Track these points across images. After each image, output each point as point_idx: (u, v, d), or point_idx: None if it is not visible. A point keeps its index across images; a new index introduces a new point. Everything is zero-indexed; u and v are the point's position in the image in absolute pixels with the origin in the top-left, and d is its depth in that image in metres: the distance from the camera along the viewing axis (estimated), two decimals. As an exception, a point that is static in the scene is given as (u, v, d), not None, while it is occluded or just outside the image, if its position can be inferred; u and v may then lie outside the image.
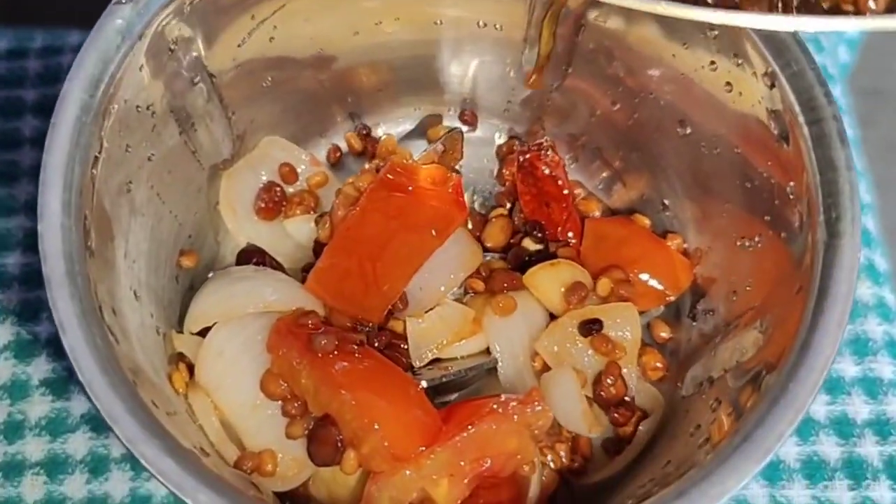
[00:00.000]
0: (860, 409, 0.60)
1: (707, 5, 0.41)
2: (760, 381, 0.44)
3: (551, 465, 0.54)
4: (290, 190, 0.61)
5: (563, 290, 0.56)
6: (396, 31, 0.60)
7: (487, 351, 0.56)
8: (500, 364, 0.56)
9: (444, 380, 0.54)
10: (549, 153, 0.61)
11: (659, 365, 0.57)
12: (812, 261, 0.45)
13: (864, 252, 0.65)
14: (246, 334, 0.52)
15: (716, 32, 0.51)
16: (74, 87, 0.45)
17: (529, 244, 0.60)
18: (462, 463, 0.48)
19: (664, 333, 0.59)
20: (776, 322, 0.47)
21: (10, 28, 0.72)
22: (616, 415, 0.55)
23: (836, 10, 0.39)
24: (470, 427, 0.48)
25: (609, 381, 0.54)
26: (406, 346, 0.55)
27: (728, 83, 0.52)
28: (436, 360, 0.56)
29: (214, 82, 0.55)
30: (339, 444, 0.49)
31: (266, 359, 0.51)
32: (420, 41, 0.61)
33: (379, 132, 0.66)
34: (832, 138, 0.46)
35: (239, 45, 0.55)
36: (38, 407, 0.58)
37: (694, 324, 0.58)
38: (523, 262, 0.59)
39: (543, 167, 0.61)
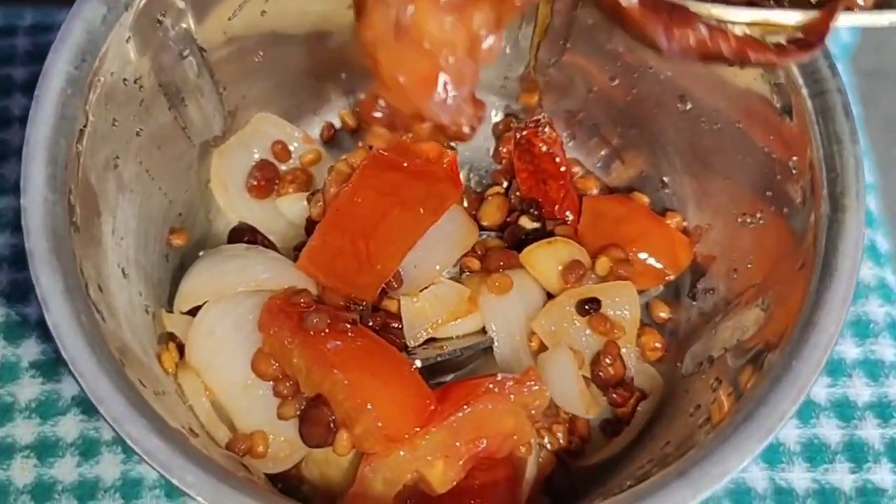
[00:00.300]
0: (861, 391, 0.60)
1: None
2: (762, 360, 0.44)
3: (548, 446, 0.54)
4: (282, 168, 0.61)
5: (560, 268, 0.55)
6: (391, 5, 0.59)
7: (483, 331, 0.56)
8: (496, 344, 0.55)
9: (438, 359, 0.53)
10: (546, 130, 0.61)
11: (658, 345, 0.56)
12: (815, 236, 0.44)
13: (866, 232, 0.65)
14: (237, 313, 0.51)
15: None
16: (59, 60, 0.44)
17: (526, 222, 0.59)
18: (457, 443, 0.48)
19: (663, 313, 0.58)
20: (778, 299, 0.46)
21: (-1, 6, 0.72)
22: (614, 395, 0.54)
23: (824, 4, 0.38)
24: (465, 407, 0.48)
25: (607, 360, 0.53)
26: (400, 326, 0.54)
27: (730, 56, 0.51)
28: (431, 340, 0.55)
29: (204, 56, 0.54)
30: (332, 425, 0.48)
31: (257, 338, 0.51)
32: (416, 16, 0.60)
33: (374, 109, 0.65)
34: (836, 111, 0.45)
35: (230, 19, 0.54)
36: (28, 389, 0.58)
37: (694, 303, 0.57)
38: (520, 241, 0.58)
39: (541, 144, 0.60)
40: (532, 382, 0.49)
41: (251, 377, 0.50)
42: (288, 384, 0.50)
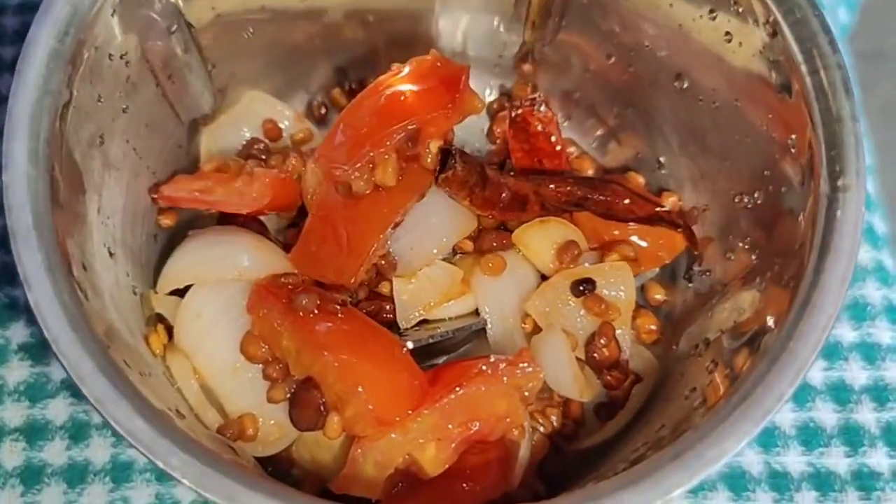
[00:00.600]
0: (858, 374, 0.59)
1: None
2: (759, 342, 0.43)
3: (542, 429, 0.53)
4: (273, 146, 0.60)
5: (554, 249, 0.55)
6: (386, -17, 0.58)
7: (476, 312, 0.55)
8: (489, 325, 0.54)
9: (430, 341, 0.53)
10: (542, 109, 0.60)
11: (653, 327, 0.56)
12: (814, 216, 0.43)
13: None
14: (225, 295, 0.51)
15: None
16: (41, 33, 0.44)
17: (520, 202, 0.58)
18: (449, 426, 0.47)
19: (659, 296, 0.58)
20: (775, 281, 0.46)
21: (-15, -16, 0.71)
22: (609, 378, 0.54)
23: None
24: (458, 389, 0.47)
25: (602, 342, 0.52)
26: (392, 308, 0.54)
27: (727, 33, 0.50)
28: (423, 322, 0.55)
29: (192, 32, 0.53)
30: (322, 408, 0.47)
31: (246, 321, 0.50)
32: (410, -6, 0.60)
33: (366, 89, 0.64)
34: (836, 88, 0.45)
35: (218, -7, 0.53)
36: (17, 372, 0.57)
37: (690, 285, 0.57)
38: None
39: (536, 123, 0.59)
40: (525, 364, 0.48)
41: (240, 360, 0.50)
42: (278, 367, 0.49)
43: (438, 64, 0.53)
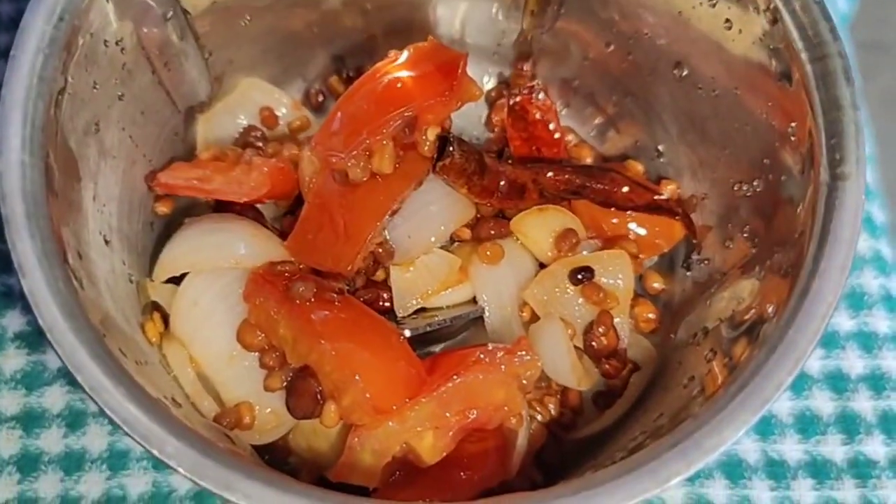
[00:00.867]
0: (855, 363, 0.59)
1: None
2: (758, 330, 0.43)
3: (539, 418, 0.53)
4: (270, 134, 0.60)
5: (552, 237, 0.54)
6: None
7: (474, 301, 0.55)
8: (486, 314, 0.54)
9: (428, 329, 0.52)
10: (540, 96, 0.59)
11: (651, 316, 0.56)
12: (814, 204, 0.43)
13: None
14: (221, 283, 0.50)
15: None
16: (35, 19, 0.43)
17: (518, 191, 0.58)
18: (447, 414, 0.47)
19: (657, 284, 0.58)
20: (774, 269, 0.46)
21: (-19, -30, 0.70)
22: (607, 367, 0.53)
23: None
24: (455, 377, 0.47)
25: (600, 331, 0.52)
26: (390, 296, 0.53)
27: (727, 20, 0.50)
28: (421, 310, 0.54)
29: (188, 19, 0.53)
30: (319, 397, 0.47)
31: (243, 309, 0.50)
32: (409, -19, 0.59)
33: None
34: (837, 76, 0.44)
35: (215, -21, 0.53)
36: (13, 360, 0.57)
37: (688, 274, 0.56)
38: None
39: (535, 111, 0.59)
40: (523, 352, 0.48)
41: (236, 348, 0.49)
42: (274, 355, 0.49)
43: (436, 51, 0.52)
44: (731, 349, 0.45)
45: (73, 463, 0.54)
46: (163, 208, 0.55)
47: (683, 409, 0.44)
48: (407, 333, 0.51)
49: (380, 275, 0.54)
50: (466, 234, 0.56)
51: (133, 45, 0.49)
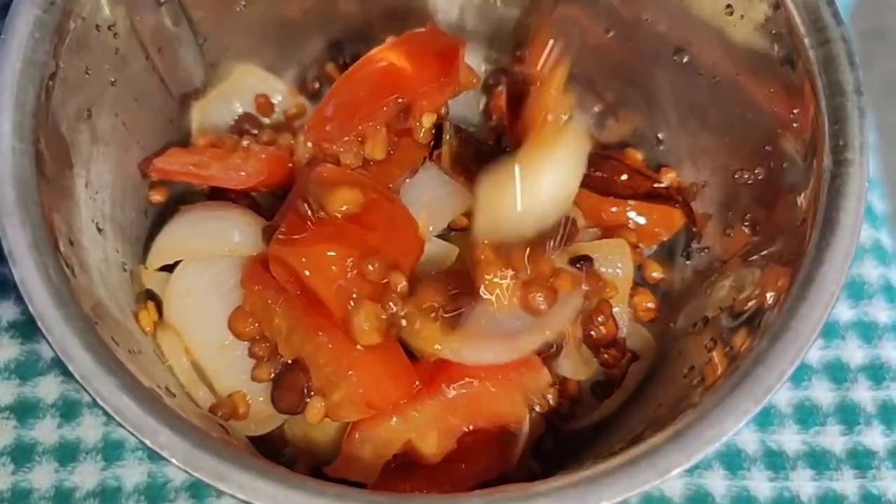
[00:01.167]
0: (854, 353, 0.59)
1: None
2: (759, 319, 0.42)
3: (537, 409, 0.52)
4: (265, 122, 0.59)
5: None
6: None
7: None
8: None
9: None
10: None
11: (651, 305, 0.55)
12: (816, 192, 0.43)
13: (863, 193, 0.64)
14: (215, 271, 0.50)
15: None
16: (26, 2, 0.43)
17: (517, 180, 0.57)
18: (452, 418, 0.47)
19: (656, 273, 0.57)
20: (776, 257, 0.45)
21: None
22: (606, 356, 0.53)
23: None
24: (464, 388, 0.47)
25: (599, 319, 0.52)
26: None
27: (728, 5, 0.49)
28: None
29: (183, 4, 0.52)
30: (306, 391, 0.46)
31: (236, 297, 0.49)
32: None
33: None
34: (840, 61, 0.44)
35: (209, -37, 0.52)
36: (7, 350, 0.57)
37: (688, 262, 0.56)
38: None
39: (533, 98, 0.58)
40: (538, 370, 0.48)
41: (229, 337, 0.49)
42: (264, 345, 0.48)
43: (434, 37, 0.52)
44: (732, 338, 0.45)
45: (67, 453, 0.54)
46: (157, 196, 0.55)
47: (683, 399, 0.44)
48: (403, 324, 0.50)
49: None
50: (464, 222, 0.55)
51: (126, 31, 0.49)
